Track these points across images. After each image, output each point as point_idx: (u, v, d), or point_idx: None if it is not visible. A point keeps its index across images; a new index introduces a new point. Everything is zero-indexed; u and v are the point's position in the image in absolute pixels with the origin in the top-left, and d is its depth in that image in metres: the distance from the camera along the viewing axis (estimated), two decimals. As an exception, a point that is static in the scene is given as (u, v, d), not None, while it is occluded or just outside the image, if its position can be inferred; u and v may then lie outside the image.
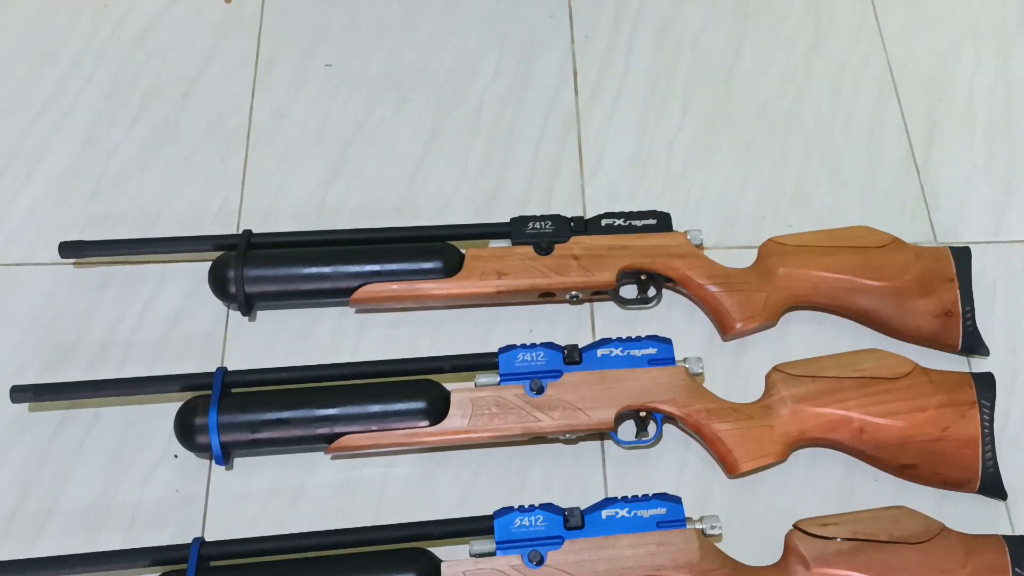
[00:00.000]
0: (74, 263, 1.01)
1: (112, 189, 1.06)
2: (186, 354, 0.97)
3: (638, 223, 1.00)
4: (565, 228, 0.99)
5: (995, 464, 0.90)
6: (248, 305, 0.97)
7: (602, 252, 0.97)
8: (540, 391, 0.90)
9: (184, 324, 0.99)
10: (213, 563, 0.83)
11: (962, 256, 0.98)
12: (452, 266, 0.97)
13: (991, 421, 0.90)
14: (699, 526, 0.84)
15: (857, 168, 1.10)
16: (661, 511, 0.84)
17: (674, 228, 1.01)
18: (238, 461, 0.92)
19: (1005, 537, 0.85)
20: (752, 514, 0.90)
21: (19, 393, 0.89)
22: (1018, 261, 1.03)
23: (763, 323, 0.97)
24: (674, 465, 0.92)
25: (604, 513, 0.84)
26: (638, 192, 1.07)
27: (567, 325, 0.99)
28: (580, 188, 1.08)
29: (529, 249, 0.98)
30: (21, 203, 1.05)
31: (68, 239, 0.97)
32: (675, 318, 0.99)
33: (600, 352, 0.91)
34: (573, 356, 0.91)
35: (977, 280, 0.99)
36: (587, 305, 1.01)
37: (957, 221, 1.06)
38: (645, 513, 0.84)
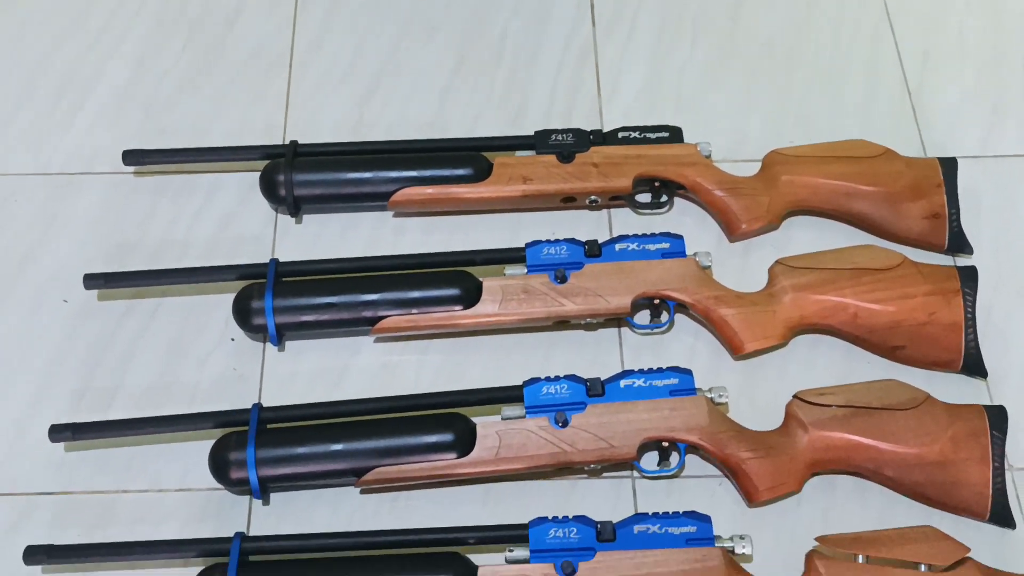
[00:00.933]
0: (133, 172, 1.10)
1: (164, 108, 1.16)
2: (238, 253, 1.06)
3: (652, 135, 1.08)
4: (585, 140, 1.08)
5: (977, 346, 0.99)
6: (296, 207, 1.06)
7: (619, 160, 1.06)
8: (564, 279, 0.99)
9: (235, 226, 1.08)
10: (269, 426, 0.92)
11: (949, 165, 1.07)
12: (482, 172, 1.06)
13: (973, 308, 0.99)
14: (708, 395, 0.93)
15: (855, 94, 1.19)
16: (674, 381, 0.93)
17: (684, 141, 1.10)
18: (289, 344, 1.01)
19: (985, 406, 0.94)
20: (756, 391, 0.99)
21: (91, 280, 0.98)
22: (1002, 173, 1.12)
23: (766, 224, 1.06)
24: (685, 350, 1.01)
25: (623, 383, 0.93)
26: (651, 115, 1.16)
27: (587, 228, 1.08)
28: (598, 110, 1.17)
29: (552, 158, 1.07)
30: (81, 120, 1.15)
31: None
32: (686, 223, 1.08)
33: (618, 247, 1.00)
34: (593, 250, 1.00)
35: (964, 191, 1.08)
36: (605, 212, 1.10)
37: (946, 139, 1.14)
38: (659, 383, 0.93)
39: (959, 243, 1.05)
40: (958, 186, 1.07)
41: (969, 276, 1.00)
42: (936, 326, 0.98)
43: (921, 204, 1.05)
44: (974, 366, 0.99)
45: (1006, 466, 0.94)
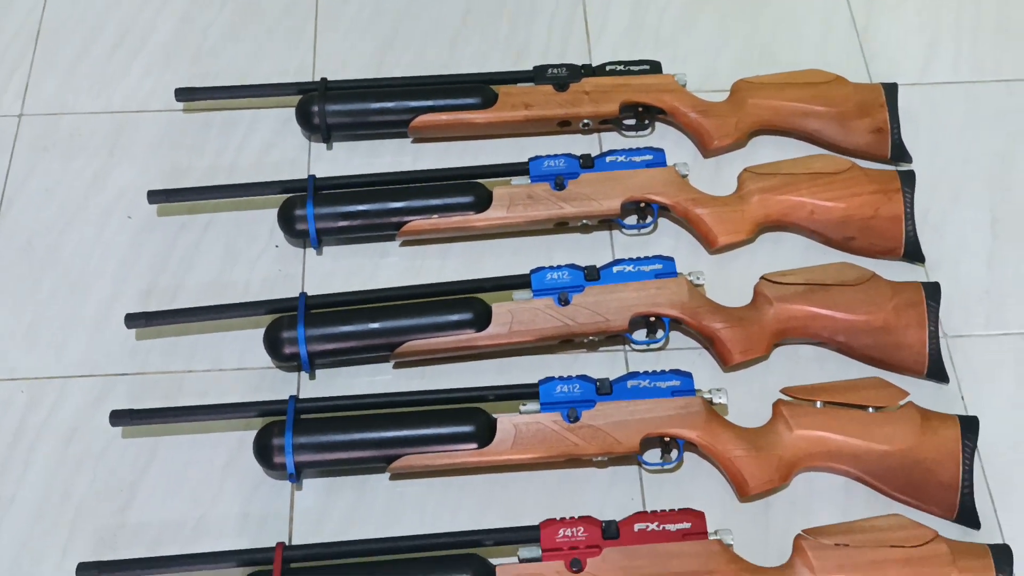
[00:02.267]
0: (183, 108, 1.26)
1: (208, 55, 1.32)
2: (277, 175, 1.20)
3: (635, 68, 1.25)
4: (577, 72, 1.24)
5: (915, 236, 1.16)
6: (327, 134, 1.22)
7: (607, 89, 1.23)
8: (562, 187, 1.15)
9: (274, 153, 1.24)
10: (313, 311, 1.06)
11: (891, 89, 1.25)
12: (488, 100, 1.22)
13: (912, 204, 1.16)
14: (689, 277, 1.09)
15: (812, 33, 1.36)
16: (658, 267, 1.09)
17: (663, 73, 1.26)
18: (327, 249, 1.16)
19: (922, 283, 1.11)
20: (728, 279, 1.14)
21: (154, 194, 1.14)
22: (937, 97, 1.29)
23: (735, 141, 1.23)
24: (668, 247, 1.17)
25: (615, 269, 1.08)
26: (634, 52, 1.32)
27: (581, 149, 1.23)
28: (587, 49, 1.33)
29: (549, 88, 1.23)
30: (136, 67, 1.31)
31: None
32: (667, 143, 1.23)
33: (608, 159, 1.16)
34: (587, 162, 1.16)
35: (905, 112, 1.25)
36: (596, 135, 1.26)
37: (889, 69, 1.31)
38: (647, 268, 1.09)
39: (900, 153, 1.22)
40: (899, 107, 1.24)
41: (908, 178, 1.17)
42: (881, 219, 1.15)
43: (866, 121, 1.22)
44: (914, 252, 1.15)
45: (941, 334, 1.11)
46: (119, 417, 1.01)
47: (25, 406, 1.06)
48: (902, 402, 1.03)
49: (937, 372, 1.08)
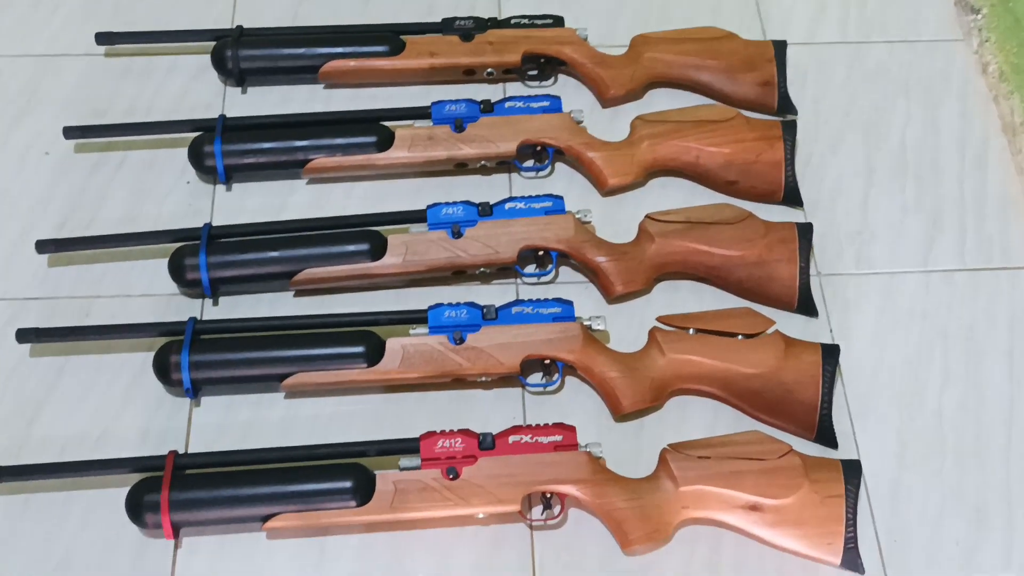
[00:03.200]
0: (104, 53, 1.31)
1: (129, 6, 1.36)
2: (194, 115, 1.26)
3: (539, 22, 1.31)
4: (483, 24, 1.30)
5: (795, 181, 1.23)
6: (241, 78, 1.27)
7: (510, 40, 1.29)
8: (462, 128, 1.21)
9: (190, 97, 1.29)
10: (216, 240, 1.12)
11: (780, 45, 1.32)
12: (396, 48, 1.27)
13: (792, 152, 1.23)
14: (576, 215, 1.15)
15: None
16: (548, 204, 1.15)
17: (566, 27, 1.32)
18: (236, 186, 1.22)
19: (796, 223, 1.17)
20: (615, 217, 1.21)
21: (70, 131, 1.19)
22: (824, 55, 1.36)
23: (630, 92, 1.29)
24: (562, 187, 1.22)
25: (507, 206, 1.13)
26: (541, 10, 1.35)
27: (485, 94, 1.28)
28: (497, 7, 1.39)
29: (455, 38, 1.29)
30: (59, 14, 1.35)
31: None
32: (566, 92, 1.30)
33: (508, 104, 1.22)
34: (487, 107, 1.22)
35: (794, 69, 1.33)
36: (500, 85, 1.32)
37: (782, 29, 1.38)
38: (537, 205, 1.14)
39: (786, 105, 1.29)
40: (788, 64, 1.31)
41: (789, 127, 1.24)
42: (762, 164, 1.22)
43: (755, 75, 1.29)
44: (792, 197, 1.22)
45: (815, 271, 1.18)
46: (25, 335, 1.06)
47: (-63, 326, 1.12)
48: (769, 331, 1.11)
49: (807, 305, 1.15)
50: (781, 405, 1.08)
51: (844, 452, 1.07)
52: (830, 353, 1.09)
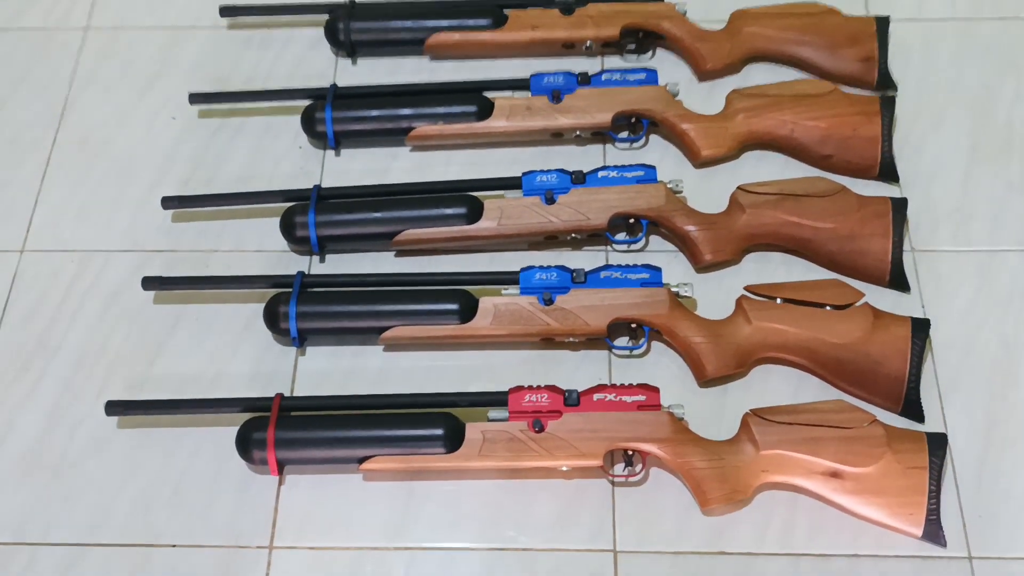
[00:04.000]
0: (227, 25, 1.40)
1: (253, -19, 1.46)
2: (307, 84, 1.32)
3: (638, -3, 1.34)
4: (583, -1, 1.34)
5: (891, 157, 1.22)
6: (352, 50, 1.34)
7: (610, 13, 1.32)
8: (559, 99, 1.24)
9: (304, 67, 1.36)
10: (325, 201, 1.19)
11: (882, 21, 1.30)
12: (499, 21, 1.32)
13: (890, 128, 1.22)
14: (668, 184, 1.18)
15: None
16: (640, 173, 1.18)
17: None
18: (344, 151, 1.29)
19: (890, 197, 1.17)
20: (707, 190, 1.22)
21: (195, 96, 1.28)
22: (933, 32, 1.34)
23: (728, 66, 1.30)
24: (656, 158, 1.25)
25: (600, 174, 1.17)
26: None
27: (583, 67, 1.29)
28: (598, -16, 1.43)
29: (556, 11, 1.32)
30: (188, -10, 1.46)
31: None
32: (664, 67, 1.31)
33: (604, 76, 1.25)
34: (584, 79, 1.25)
35: (898, 45, 1.31)
36: (598, 58, 1.35)
37: (887, 7, 1.35)
38: (629, 174, 1.17)
39: (886, 81, 1.28)
40: (892, 40, 1.30)
41: (888, 103, 1.23)
42: (858, 139, 1.22)
43: (856, 50, 1.28)
44: (888, 172, 1.22)
45: (908, 247, 1.17)
46: (150, 282, 1.16)
47: (73, 274, 1.21)
48: (858, 303, 1.11)
49: (899, 280, 1.15)
50: (867, 377, 1.08)
51: (931, 427, 1.07)
52: (920, 327, 1.08)
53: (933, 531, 1.00)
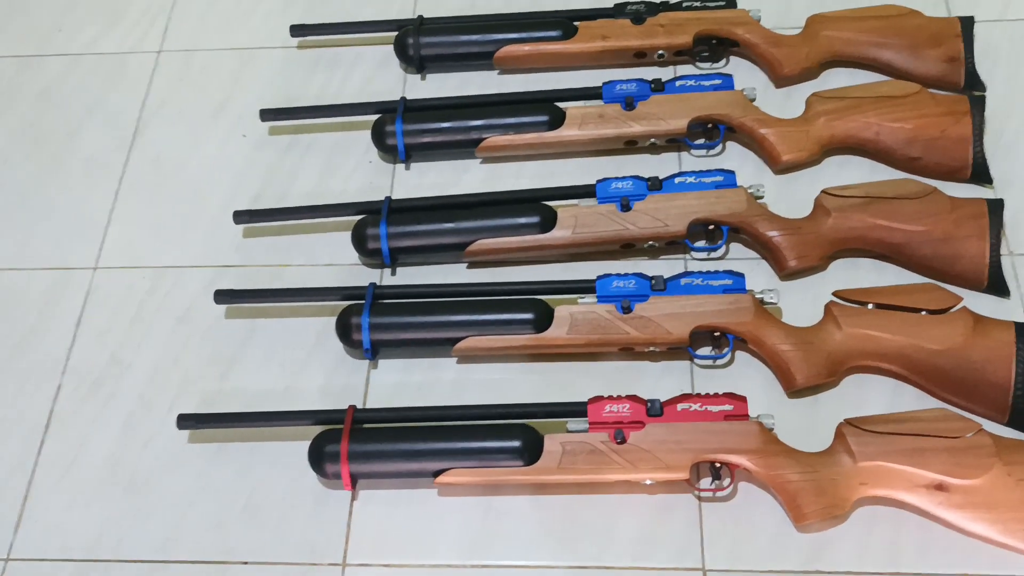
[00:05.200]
0: (297, 46, 1.40)
1: (321, 2, 1.45)
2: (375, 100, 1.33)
3: (711, 3, 1.31)
4: (654, 8, 1.31)
5: (983, 158, 1.17)
6: (421, 65, 1.33)
7: (682, 22, 1.29)
8: (632, 107, 1.22)
9: (373, 84, 1.36)
10: (395, 212, 1.17)
11: (967, 21, 1.26)
12: (568, 32, 1.30)
13: (981, 127, 1.17)
14: (749, 190, 1.14)
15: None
16: (719, 178, 1.14)
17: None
18: (414, 164, 1.27)
19: (987, 200, 1.11)
20: (789, 196, 1.18)
21: (266, 113, 1.28)
22: (1018, 33, 1.29)
23: (805, 70, 1.27)
24: (733, 166, 1.20)
25: (676, 180, 1.14)
26: (712, -4, 1.39)
27: (656, 75, 1.28)
28: (667, -7, 1.41)
29: (626, 21, 1.31)
30: (259, 11, 1.45)
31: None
32: (739, 74, 1.28)
33: (678, 83, 1.22)
34: (658, 86, 1.22)
35: (984, 46, 1.27)
36: (671, 68, 1.32)
37: (971, 9, 1.31)
38: (707, 180, 1.14)
39: (973, 82, 1.23)
40: (978, 41, 1.25)
41: (978, 102, 1.18)
42: (947, 140, 1.16)
43: (940, 51, 1.24)
44: (981, 174, 1.16)
45: (1007, 251, 1.11)
46: (222, 296, 1.15)
47: (146, 291, 1.21)
48: (956, 307, 1.05)
49: (998, 285, 1.09)
50: (969, 385, 1.02)
51: (1041, 440, 1.01)
52: (1025, 332, 1.03)
53: (1051, 549, 0.94)
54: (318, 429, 1.05)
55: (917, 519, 0.97)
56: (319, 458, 1.03)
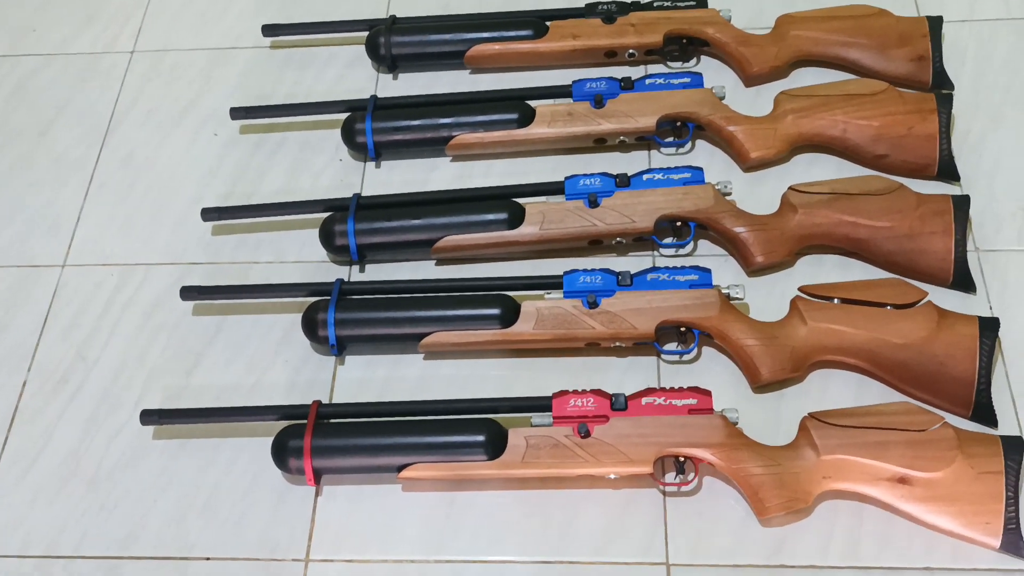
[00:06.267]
0: (270, 45, 1.40)
1: (294, 2, 1.45)
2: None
3: (681, 4, 1.31)
4: (625, 7, 1.32)
5: (950, 155, 1.17)
6: (393, 64, 1.33)
7: (652, 21, 1.30)
8: (601, 104, 1.22)
9: (345, 83, 1.36)
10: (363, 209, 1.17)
11: (935, 21, 1.26)
12: (540, 32, 1.31)
13: (947, 123, 1.17)
14: (716, 186, 1.14)
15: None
16: (687, 175, 1.14)
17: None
18: (384, 162, 1.27)
19: (951, 196, 1.11)
20: (758, 194, 1.18)
21: (236, 111, 1.28)
22: (987, 32, 1.30)
23: (774, 69, 1.27)
24: (702, 163, 1.20)
25: (645, 176, 1.14)
26: (682, -3, 1.40)
27: (627, 74, 1.26)
28: (639, -5, 1.42)
29: (597, 21, 1.31)
30: (231, 12, 1.45)
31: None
32: (708, 73, 1.28)
33: (648, 81, 1.23)
34: (627, 84, 1.23)
35: (952, 46, 1.28)
36: (641, 67, 1.32)
37: (939, 9, 1.32)
38: (675, 176, 1.14)
39: (941, 80, 1.24)
40: (946, 41, 1.26)
41: (944, 100, 1.19)
42: (914, 137, 1.17)
43: (908, 50, 1.24)
44: (948, 171, 1.17)
45: (972, 247, 1.12)
46: (189, 292, 1.14)
47: (114, 287, 1.20)
48: (921, 302, 1.05)
49: (963, 280, 1.09)
50: (933, 379, 1.02)
51: (1005, 433, 0.99)
52: (988, 326, 1.02)
53: (1013, 541, 0.93)
54: (283, 425, 1.04)
55: (879, 512, 0.97)
56: (282, 453, 1.02)
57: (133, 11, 1.48)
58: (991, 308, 1.08)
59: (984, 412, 1.01)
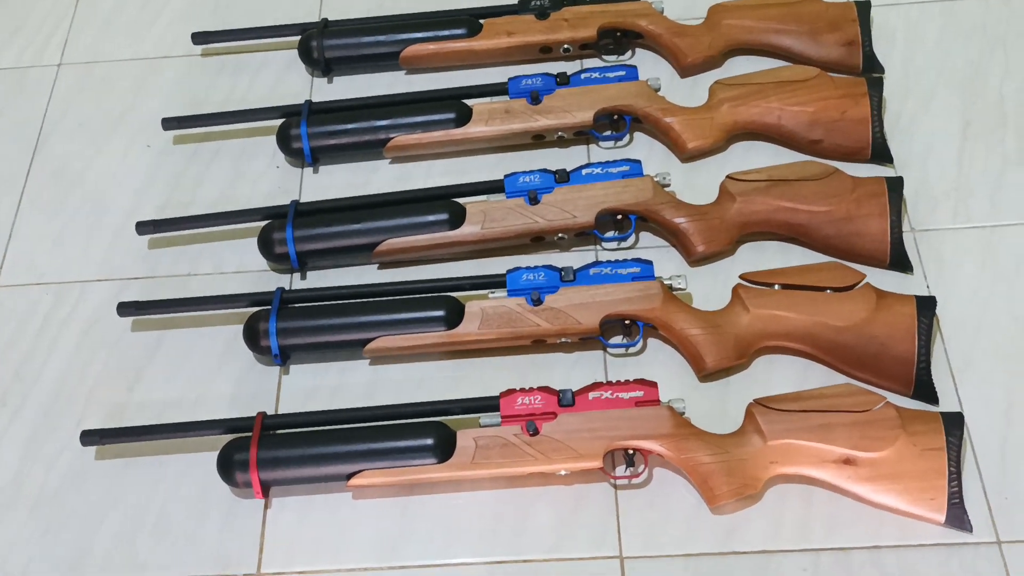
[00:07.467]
0: (201, 53, 1.38)
1: (225, 9, 1.43)
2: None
3: (614, -2, 1.32)
4: (558, 3, 1.31)
5: (883, 138, 1.19)
6: (327, 68, 1.32)
7: (585, 15, 1.30)
8: (538, 100, 1.22)
9: (280, 89, 1.35)
10: (302, 216, 1.15)
11: (863, 5, 1.28)
12: (474, 30, 1.30)
13: (879, 107, 1.19)
14: (656, 178, 1.14)
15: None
16: (626, 168, 1.15)
17: (640, 1, 1.33)
18: (322, 168, 1.26)
19: (885, 177, 1.13)
20: (697, 183, 1.19)
21: (168, 121, 1.25)
22: (916, 15, 1.32)
23: (708, 59, 1.28)
24: (641, 156, 1.21)
25: (584, 171, 1.14)
26: (618, -11, 1.39)
27: (562, 69, 1.27)
28: (573, -10, 1.41)
29: (531, 17, 1.31)
30: (161, 20, 1.43)
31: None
32: (644, 65, 1.28)
33: (584, 75, 1.23)
34: (563, 79, 1.23)
35: (882, 29, 1.30)
36: (577, 62, 1.32)
37: (866, -9, 1.36)
38: (614, 170, 1.14)
39: (871, 64, 1.26)
40: (876, 24, 1.28)
41: (875, 83, 1.20)
42: (847, 121, 1.18)
43: (838, 35, 1.26)
44: (881, 153, 1.18)
45: (908, 227, 1.13)
46: (126, 308, 1.12)
47: (51, 305, 1.18)
48: (859, 284, 1.06)
49: (900, 261, 1.11)
50: (874, 360, 1.03)
51: (945, 409, 1.01)
52: (925, 305, 1.04)
53: (957, 516, 0.95)
54: (228, 438, 1.03)
55: (827, 495, 0.98)
56: (228, 467, 1.00)
57: (59, 22, 1.44)
58: (928, 287, 1.10)
59: (925, 390, 1.02)
